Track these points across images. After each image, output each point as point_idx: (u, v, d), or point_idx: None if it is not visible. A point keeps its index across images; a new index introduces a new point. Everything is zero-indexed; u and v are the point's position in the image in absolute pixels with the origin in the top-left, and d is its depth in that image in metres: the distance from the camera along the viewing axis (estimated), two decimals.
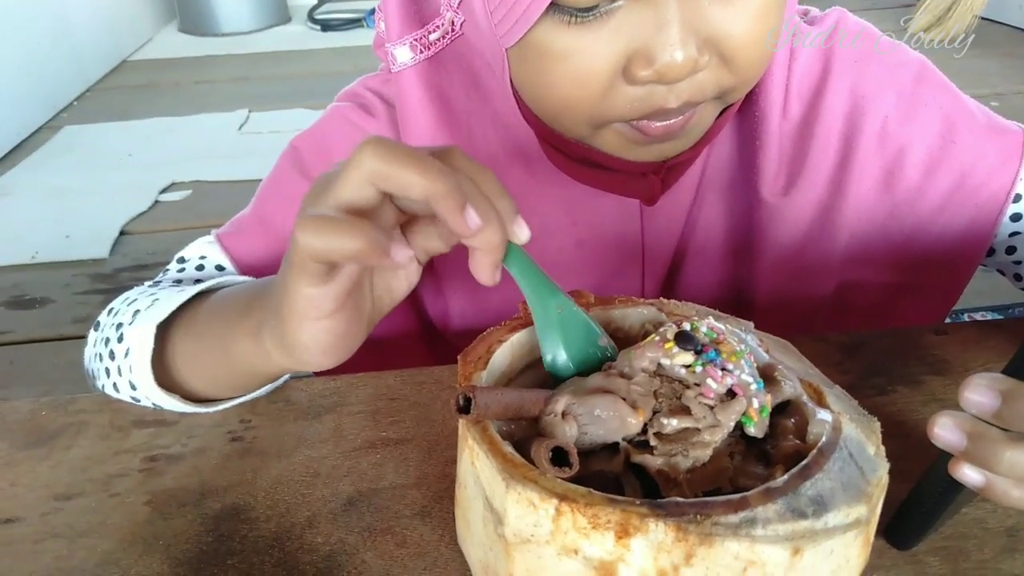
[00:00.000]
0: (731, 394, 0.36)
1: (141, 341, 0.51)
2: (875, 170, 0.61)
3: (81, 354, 0.60)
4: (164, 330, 0.52)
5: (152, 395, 0.52)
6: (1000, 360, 0.55)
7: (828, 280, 0.63)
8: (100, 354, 0.55)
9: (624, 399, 0.37)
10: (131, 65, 3.58)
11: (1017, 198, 0.61)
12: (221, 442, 0.52)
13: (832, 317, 0.65)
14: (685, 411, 0.36)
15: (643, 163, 0.55)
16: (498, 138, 0.59)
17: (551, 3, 0.44)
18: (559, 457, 0.34)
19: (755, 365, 0.38)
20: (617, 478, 0.36)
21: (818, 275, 0.63)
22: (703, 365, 0.36)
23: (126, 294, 0.58)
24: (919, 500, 0.40)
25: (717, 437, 0.36)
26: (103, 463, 0.51)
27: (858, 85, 0.61)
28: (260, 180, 0.66)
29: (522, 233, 0.40)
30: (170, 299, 0.52)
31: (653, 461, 0.35)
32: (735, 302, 0.65)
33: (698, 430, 0.36)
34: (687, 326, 0.38)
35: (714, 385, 0.36)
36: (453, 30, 0.57)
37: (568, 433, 0.36)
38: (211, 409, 0.53)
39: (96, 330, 0.57)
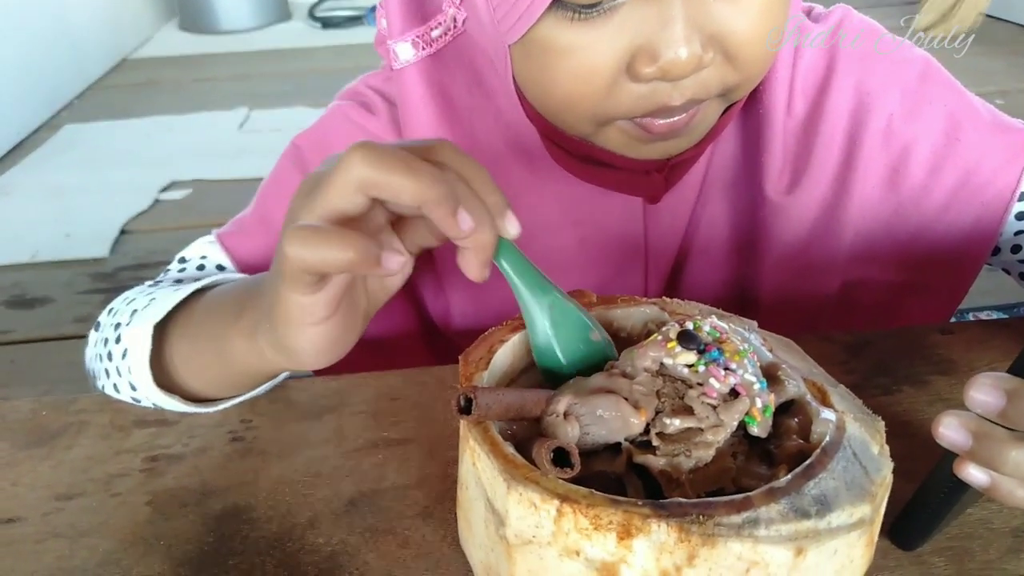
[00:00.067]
0: (734, 394, 0.36)
1: (139, 342, 0.51)
2: (880, 168, 0.61)
3: (82, 353, 0.60)
4: (161, 330, 0.52)
5: (152, 396, 0.52)
6: (1006, 359, 0.55)
7: (833, 279, 0.63)
8: (100, 354, 0.55)
9: (626, 399, 0.36)
10: (131, 63, 3.57)
11: (1023, 196, 0.60)
12: (222, 442, 0.52)
13: (837, 316, 0.65)
14: (688, 411, 0.36)
15: (647, 161, 0.55)
16: (500, 135, 0.59)
17: None
18: (560, 458, 0.34)
19: (758, 364, 0.38)
20: (619, 479, 0.36)
21: (823, 274, 0.62)
22: (706, 364, 0.36)
23: (125, 294, 0.58)
24: (924, 500, 0.40)
25: (720, 437, 0.35)
26: (104, 463, 0.51)
27: (863, 83, 0.60)
28: (261, 179, 0.66)
29: (512, 228, 0.39)
30: (166, 298, 0.52)
31: (656, 461, 0.35)
32: (739, 301, 0.65)
33: (701, 430, 0.36)
34: (690, 325, 0.38)
35: (717, 385, 0.35)
36: (455, 27, 0.57)
37: (570, 433, 0.35)
38: (211, 409, 0.53)
39: (96, 330, 0.57)
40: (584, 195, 0.60)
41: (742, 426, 0.36)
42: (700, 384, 0.36)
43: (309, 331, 0.40)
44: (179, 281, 0.61)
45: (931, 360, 0.56)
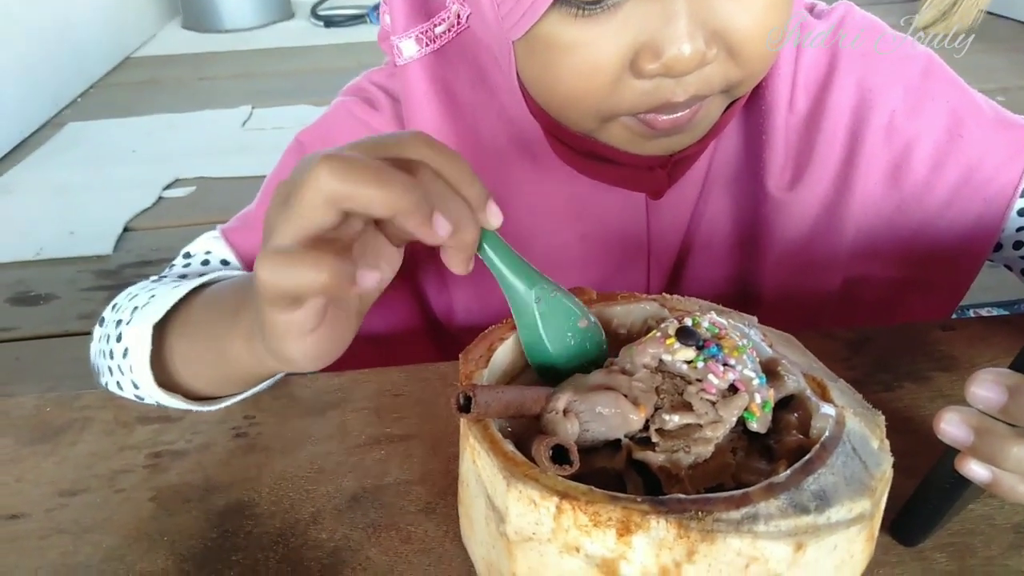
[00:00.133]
0: (733, 389, 0.36)
1: (139, 342, 0.51)
2: (882, 164, 0.61)
3: (86, 350, 0.60)
4: (161, 329, 0.52)
5: (154, 395, 0.52)
6: (1007, 356, 0.55)
7: (835, 275, 0.63)
8: (103, 351, 0.56)
9: (626, 396, 0.36)
10: (134, 62, 3.58)
11: None
12: (225, 438, 0.52)
13: (839, 312, 0.65)
14: (687, 407, 0.36)
15: (650, 157, 0.55)
16: (504, 132, 0.59)
17: None
18: (560, 455, 0.34)
19: (758, 360, 0.38)
20: (619, 475, 0.36)
21: (825, 270, 0.62)
22: (705, 361, 0.36)
23: (129, 289, 0.58)
24: (926, 496, 0.40)
25: (719, 433, 0.35)
26: (108, 459, 0.51)
27: (865, 79, 0.60)
28: (264, 176, 0.66)
29: (494, 219, 0.38)
30: (165, 296, 0.52)
31: (655, 458, 0.35)
32: (741, 297, 0.65)
33: (700, 426, 0.36)
34: (689, 322, 0.38)
35: (716, 381, 0.36)
36: (459, 23, 0.57)
37: (569, 430, 0.36)
38: (213, 407, 0.53)
39: (100, 326, 0.57)
40: (587, 191, 0.60)
41: (741, 422, 0.36)
42: (699, 380, 0.36)
43: (299, 342, 0.40)
44: (183, 276, 0.61)
45: (932, 356, 0.56)
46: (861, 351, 0.57)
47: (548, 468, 0.33)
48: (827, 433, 0.35)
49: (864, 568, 0.35)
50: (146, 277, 0.62)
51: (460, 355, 0.41)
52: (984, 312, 1.41)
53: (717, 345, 0.37)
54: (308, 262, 0.34)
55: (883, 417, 0.37)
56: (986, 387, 0.34)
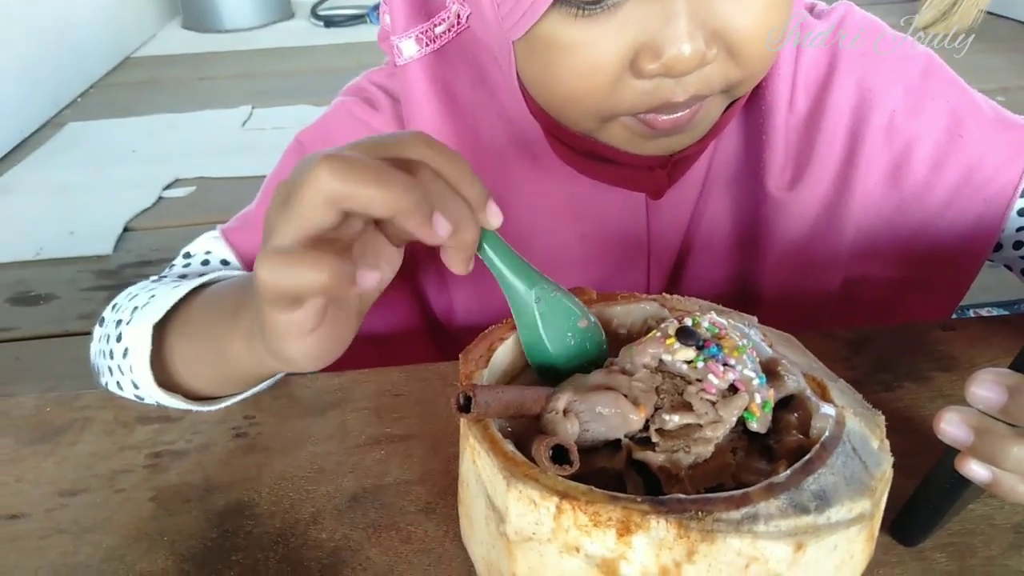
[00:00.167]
0: (733, 389, 0.36)
1: (139, 342, 0.51)
2: (882, 164, 0.61)
3: (86, 350, 0.60)
4: (161, 329, 0.52)
5: (154, 395, 0.52)
6: (1007, 356, 0.55)
7: (835, 275, 0.63)
8: (103, 351, 0.56)
9: (625, 396, 0.36)
10: (134, 62, 3.58)
11: None
12: (225, 438, 0.52)
13: (839, 312, 0.65)
14: (687, 407, 0.36)
15: (650, 157, 0.55)
16: (504, 132, 0.59)
17: None
18: (560, 455, 0.34)
19: (758, 360, 0.38)
20: (619, 475, 0.36)
21: (825, 270, 0.62)
22: (705, 361, 0.36)
23: (129, 289, 0.58)
24: (926, 496, 0.40)
25: (719, 433, 0.35)
26: (108, 459, 0.51)
27: (865, 79, 0.60)
28: (264, 176, 0.66)
29: (494, 219, 0.38)
30: (165, 296, 0.52)
31: (655, 458, 0.35)
32: (741, 297, 0.65)
33: (700, 426, 0.36)
34: (689, 322, 0.38)
35: (716, 381, 0.36)
36: (459, 23, 0.57)
37: (569, 430, 0.36)
38: (214, 407, 0.53)
39: (101, 325, 0.57)
40: (587, 191, 0.60)
41: (741, 422, 0.36)
42: (699, 380, 0.36)
43: (299, 342, 0.40)
44: (183, 277, 0.61)
45: (932, 356, 0.56)
46: (861, 351, 0.57)
47: (548, 468, 0.33)
48: (827, 433, 0.35)
49: (864, 568, 0.35)
50: (146, 277, 0.62)
51: (460, 355, 0.41)
52: (984, 312, 1.41)
53: (717, 345, 0.37)
54: (308, 262, 0.34)
55: (883, 417, 0.37)
56: (986, 387, 0.34)
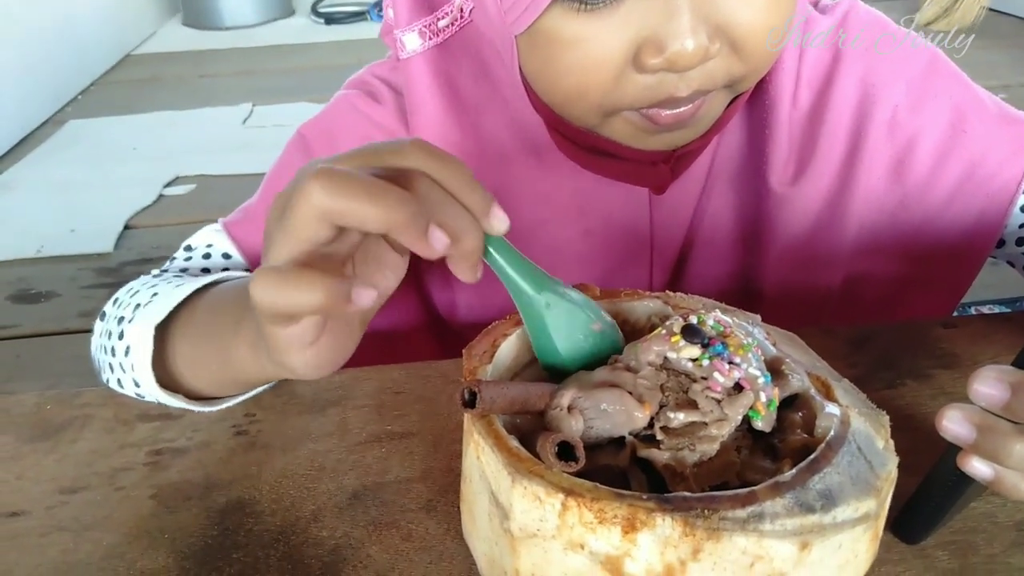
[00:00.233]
0: (738, 388, 0.36)
1: (140, 342, 0.50)
2: (885, 159, 0.61)
3: (87, 348, 0.60)
4: (163, 329, 0.52)
5: (155, 395, 0.52)
6: (1009, 353, 0.55)
7: (837, 271, 0.63)
8: (104, 347, 0.55)
9: (630, 393, 0.36)
10: (135, 59, 3.58)
11: None
12: (226, 436, 0.52)
13: (840, 309, 0.65)
14: (692, 405, 0.36)
15: (652, 152, 0.55)
16: (507, 126, 0.59)
17: None
18: (565, 451, 0.34)
19: (762, 358, 0.38)
20: (623, 472, 0.36)
21: (827, 266, 0.62)
22: (710, 359, 0.36)
23: (130, 284, 0.58)
24: (928, 494, 0.40)
25: (724, 431, 0.35)
26: (108, 457, 0.51)
27: (868, 74, 0.60)
28: (264, 174, 0.66)
29: (499, 225, 0.37)
30: (168, 296, 0.52)
31: (660, 455, 0.35)
32: (743, 293, 0.65)
33: (705, 424, 0.35)
34: (694, 319, 0.38)
35: (721, 379, 0.35)
36: (462, 17, 0.57)
37: (574, 427, 0.35)
38: (215, 408, 0.53)
39: (102, 320, 0.57)
40: (590, 186, 0.60)
41: (746, 420, 0.36)
42: (704, 378, 0.36)
43: (300, 354, 0.39)
44: (184, 270, 0.61)
45: (934, 354, 0.56)
46: (863, 349, 0.57)
47: (554, 464, 0.33)
48: (832, 432, 0.35)
49: (868, 567, 0.34)
50: (147, 275, 0.62)
51: (464, 351, 0.41)
52: (986, 310, 1.41)
53: (722, 343, 0.36)
54: (302, 282, 0.34)
55: (887, 417, 0.37)
56: (989, 384, 0.34)
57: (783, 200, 0.60)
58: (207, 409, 0.53)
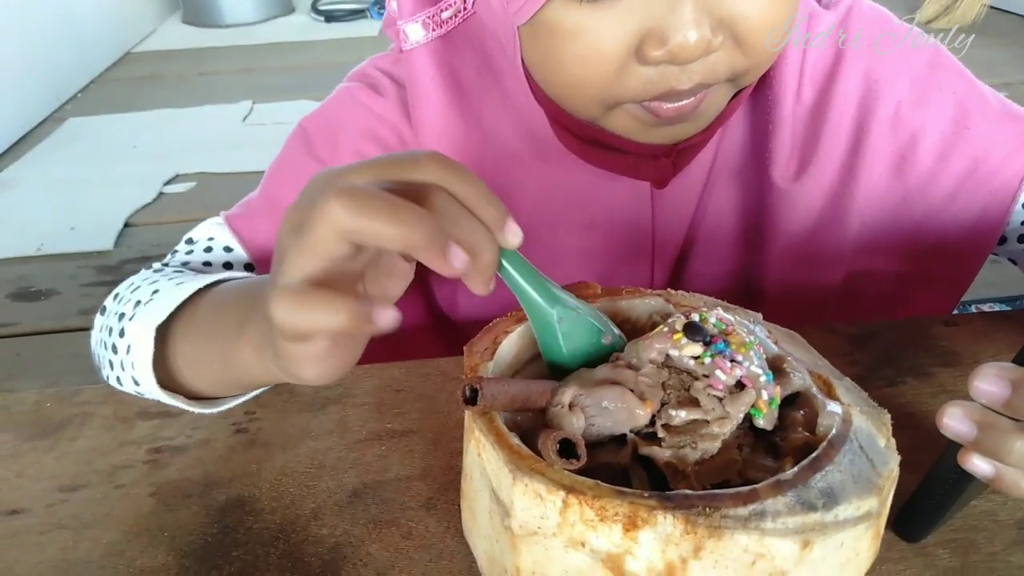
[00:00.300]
0: (740, 386, 0.36)
1: (141, 341, 0.50)
2: (887, 155, 0.60)
3: (86, 346, 0.60)
4: (164, 328, 0.51)
5: (156, 395, 0.51)
6: (1010, 351, 0.54)
7: (838, 269, 0.63)
8: (104, 342, 0.55)
9: (632, 390, 0.36)
10: (135, 57, 3.57)
11: None
12: (226, 434, 0.52)
13: (841, 307, 0.65)
14: (694, 403, 0.36)
15: (654, 145, 0.55)
16: (509, 119, 0.59)
17: None
18: (566, 449, 0.34)
19: (764, 356, 0.38)
20: (625, 470, 0.36)
21: (828, 264, 0.62)
22: (712, 356, 0.36)
23: (131, 279, 0.58)
24: (929, 492, 0.40)
25: (726, 429, 0.35)
26: (108, 454, 0.51)
27: (871, 70, 0.60)
28: (265, 172, 0.66)
29: (513, 238, 0.37)
30: (168, 294, 0.51)
31: (661, 453, 0.35)
32: (744, 291, 0.64)
33: (707, 422, 0.35)
34: (696, 317, 0.38)
35: (723, 376, 0.35)
36: (465, 8, 0.56)
37: (575, 424, 0.35)
38: (215, 409, 0.52)
39: (102, 314, 0.57)
40: (591, 180, 0.60)
41: (748, 418, 0.36)
42: (706, 376, 0.36)
43: (312, 367, 0.39)
44: (185, 264, 0.61)
45: (935, 352, 0.56)
46: (864, 347, 0.57)
47: (554, 462, 0.33)
48: (834, 431, 0.35)
49: (869, 565, 0.34)
50: (148, 269, 0.61)
51: (465, 348, 0.41)
52: (986, 308, 1.40)
53: (724, 341, 0.36)
54: (324, 304, 0.33)
55: (889, 416, 0.37)
56: (989, 381, 0.34)
57: (786, 196, 0.60)
58: (207, 411, 0.52)
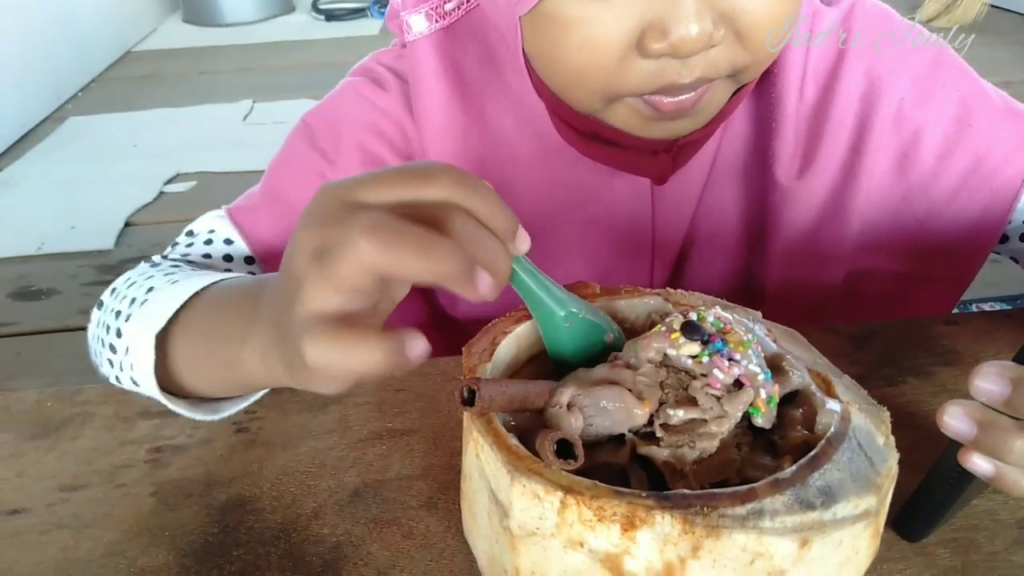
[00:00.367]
0: (738, 384, 0.36)
1: (141, 349, 0.49)
2: (889, 153, 0.60)
3: (87, 345, 0.60)
4: (163, 331, 0.51)
5: (158, 399, 0.51)
6: (1010, 350, 0.54)
7: (839, 267, 0.63)
8: (102, 339, 0.55)
9: (630, 390, 0.36)
10: (135, 56, 3.57)
11: None
12: (226, 433, 0.52)
13: (842, 306, 0.65)
14: (692, 402, 0.36)
15: (654, 141, 0.54)
16: (510, 113, 0.59)
17: None
18: (564, 449, 0.34)
19: (763, 355, 0.38)
20: (623, 470, 0.36)
21: (829, 262, 0.62)
22: (710, 355, 0.36)
23: (128, 274, 0.57)
24: (929, 491, 0.40)
25: (724, 428, 0.35)
26: (109, 454, 0.51)
27: (874, 67, 0.60)
28: (265, 171, 0.66)
29: (523, 245, 0.37)
30: (164, 294, 0.50)
31: (659, 453, 0.35)
32: (745, 290, 0.64)
33: (705, 421, 0.35)
34: (694, 316, 0.38)
35: (721, 375, 0.35)
36: (468, 1, 0.56)
37: (573, 425, 0.35)
38: (216, 417, 0.51)
39: (99, 309, 0.56)
40: (592, 177, 0.59)
41: (746, 417, 0.36)
42: (704, 375, 0.36)
43: (332, 387, 0.38)
44: (185, 256, 0.61)
45: (936, 351, 0.56)
46: (864, 346, 0.57)
47: (553, 462, 0.33)
48: (833, 429, 0.35)
49: (869, 564, 0.34)
50: (147, 262, 0.61)
51: (463, 348, 0.41)
52: (987, 307, 1.40)
53: (722, 340, 0.36)
54: (361, 346, 0.33)
55: (888, 413, 0.37)
56: (990, 380, 0.34)
57: (789, 195, 0.60)
58: (209, 418, 0.51)
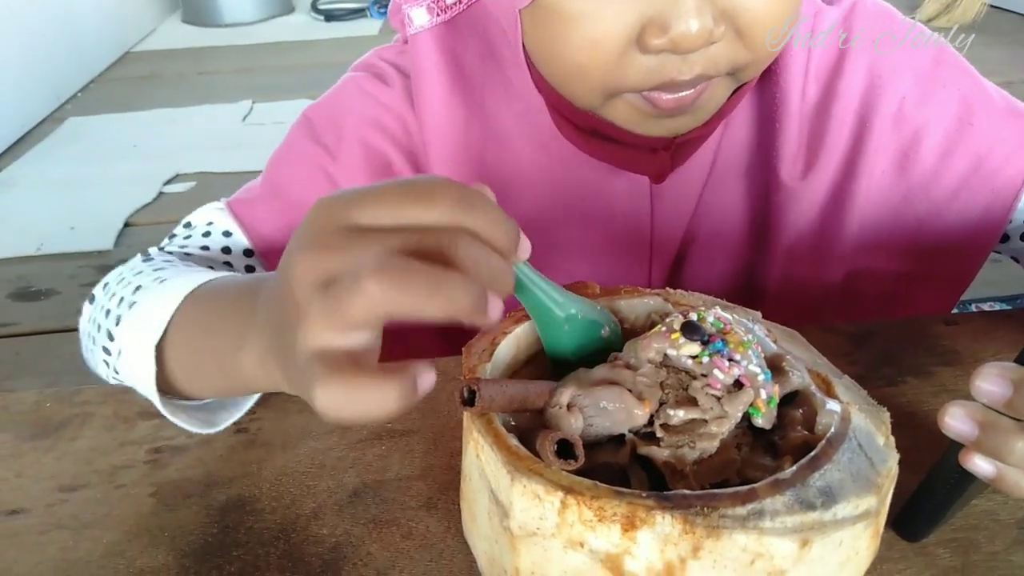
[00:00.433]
0: (738, 385, 0.36)
1: (140, 362, 0.48)
2: (890, 152, 0.60)
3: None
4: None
5: (160, 409, 0.50)
6: (1011, 350, 0.54)
7: (839, 267, 0.63)
8: (94, 337, 0.55)
9: (630, 390, 0.36)
10: (134, 56, 3.57)
11: None
12: (226, 434, 0.52)
13: (842, 306, 0.65)
14: (692, 402, 0.36)
15: (653, 138, 0.54)
16: (510, 107, 0.59)
17: None
18: (564, 449, 0.34)
19: (763, 355, 0.38)
20: (623, 470, 0.36)
21: (830, 262, 0.62)
22: (710, 355, 0.36)
23: (119, 270, 0.57)
24: (929, 491, 0.40)
25: (724, 428, 0.35)
26: (108, 454, 0.51)
27: (875, 66, 0.60)
28: (266, 165, 0.65)
29: (524, 254, 0.36)
30: (156, 300, 0.49)
31: (660, 453, 0.35)
32: (745, 290, 0.64)
33: (705, 421, 0.35)
34: (694, 316, 0.38)
35: (721, 376, 0.35)
36: None
37: (574, 425, 0.35)
38: (213, 430, 0.51)
39: (91, 303, 0.56)
40: (591, 174, 0.59)
41: (746, 417, 0.36)
42: (704, 375, 0.36)
43: (338, 420, 0.38)
44: (183, 248, 0.60)
45: (935, 351, 0.56)
46: (864, 346, 0.57)
47: (553, 463, 0.33)
48: (833, 429, 0.35)
49: (869, 564, 0.34)
50: (138, 257, 0.61)
51: (463, 349, 0.41)
52: (987, 307, 1.40)
53: (722, 340, 0.36)
54: (374, 392, 0.32)
55: (888, 413, 0.37)
56: (991, 381, 0.34)
57: (793, 194, 0.60)
58: (208, 431, 0.50)
